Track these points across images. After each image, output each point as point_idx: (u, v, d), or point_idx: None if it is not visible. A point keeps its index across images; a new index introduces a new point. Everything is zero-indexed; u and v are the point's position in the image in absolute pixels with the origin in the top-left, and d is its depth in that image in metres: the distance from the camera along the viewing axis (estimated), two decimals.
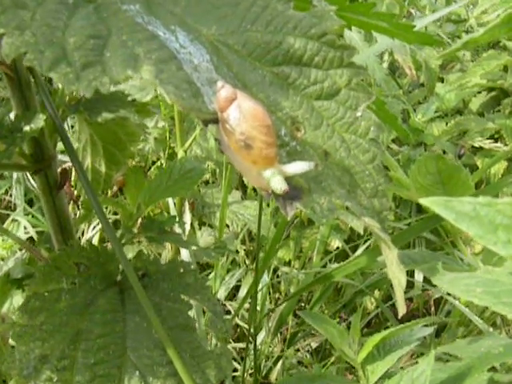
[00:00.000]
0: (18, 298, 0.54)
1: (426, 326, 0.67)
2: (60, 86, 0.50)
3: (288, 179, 0.27)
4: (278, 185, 0.26)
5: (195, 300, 0.48)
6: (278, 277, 1.26)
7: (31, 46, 0.26)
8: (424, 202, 0.27)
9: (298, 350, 1.18)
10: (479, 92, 1.77)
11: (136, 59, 0.26)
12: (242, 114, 0.26)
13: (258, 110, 0.26)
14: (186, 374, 0.42)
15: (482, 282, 0.33)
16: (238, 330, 1.18)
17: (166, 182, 0.54)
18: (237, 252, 1.27)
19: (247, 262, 1.30)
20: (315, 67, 0.31)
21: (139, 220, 0.53)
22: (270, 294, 1.19)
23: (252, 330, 0.86)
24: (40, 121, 0.40)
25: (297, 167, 0.27)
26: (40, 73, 0.46)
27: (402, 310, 0.33)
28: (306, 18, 0.31)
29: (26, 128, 0.41)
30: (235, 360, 1.08)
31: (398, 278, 0.32)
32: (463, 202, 0.25)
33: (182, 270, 0.50)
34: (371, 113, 0.32)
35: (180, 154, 0.94)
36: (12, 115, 0.47)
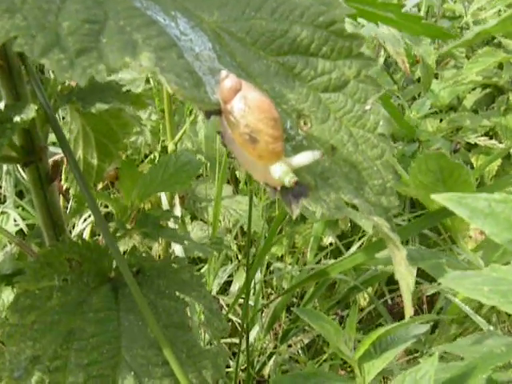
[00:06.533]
0: (8, 294, 0.52)
1: (421, 323, 0.66)
2: (52, 75, 0.48)
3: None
4: (287, 178, 0.24)
5: (191, 297, 0.47)
6: (270, 272, 1.25)
7: (22, 30, 0.24)
8: (437, 198, 0.26)
9: (291, 346, 1.17)
10: (473, 89, 1.77)
11: (134, 45, 0.25)
12: (248, 105, 0.25)
13: (264, 102, 0.25)
14: (183, 375, 0.41)
15: (488, 280, 0.32)
16: (231, 324, 1.17)
17: (160, 175, 0.52)
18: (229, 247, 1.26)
19: (239, 256, 1.29)
20: (322, 57, 0.30)
21: (133, 215, 0.52)
22: (262, 289, 1.18)
23: (245, 326, 0.84)
24: (31, 111, 0.39)
25: (303, 158, 0.25)
26: (31, 61, 0.44)
27: (408, 312, 0.32)
28: (313, 5, 0.30)
29: (17, 119, 0.39)
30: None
31: (406, 280, 0.31)
32: (478, 198, 0.24)
33: (176, 267, 0.49)
34: (380, 106, 0.30)
35: (170, 147, 0.92)
36: (1, 105, 0.46)
